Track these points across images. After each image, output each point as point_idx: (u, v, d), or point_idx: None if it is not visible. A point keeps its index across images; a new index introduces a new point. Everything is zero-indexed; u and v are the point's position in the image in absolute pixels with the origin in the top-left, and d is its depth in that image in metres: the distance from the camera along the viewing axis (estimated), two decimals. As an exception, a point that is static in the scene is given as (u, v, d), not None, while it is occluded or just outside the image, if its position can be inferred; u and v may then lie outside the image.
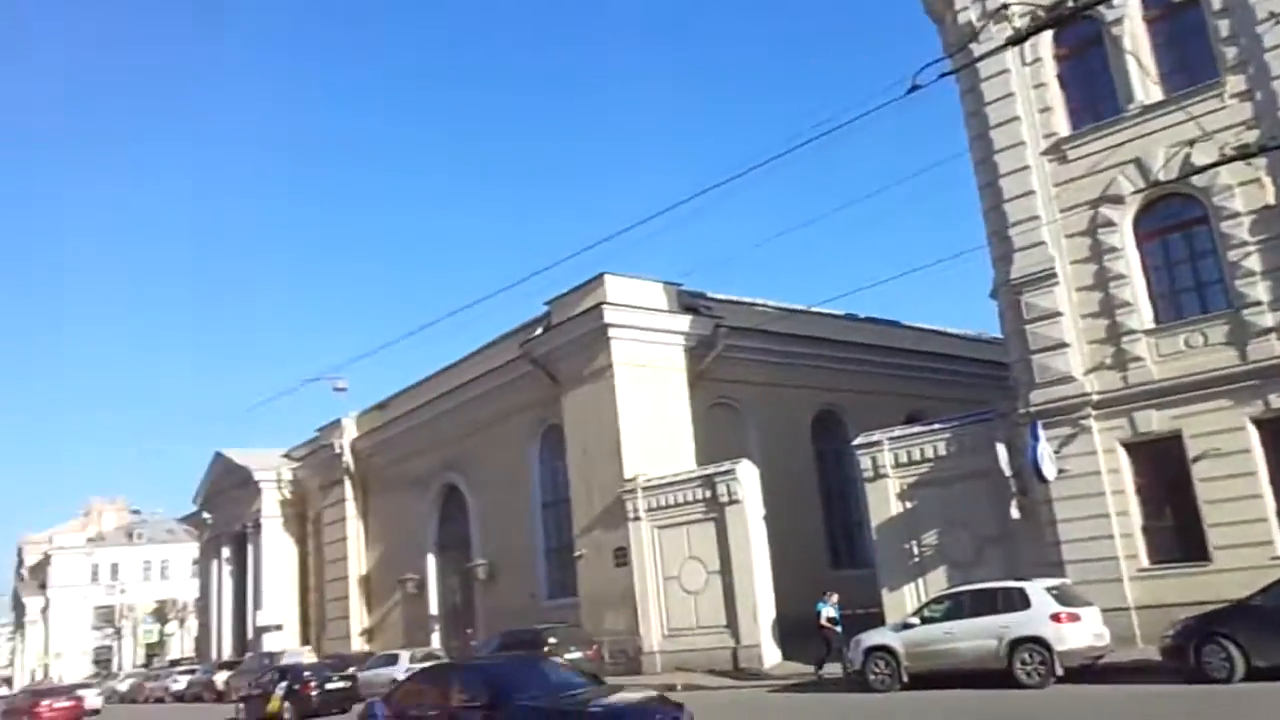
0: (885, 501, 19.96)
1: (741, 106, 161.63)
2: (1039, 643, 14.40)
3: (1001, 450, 17.58)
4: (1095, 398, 16.92)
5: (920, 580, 19.11)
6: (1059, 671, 14.22)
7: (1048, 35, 17.59)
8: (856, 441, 20.89)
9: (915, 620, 16.27)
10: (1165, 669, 13.59)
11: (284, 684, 25.05)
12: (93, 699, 38.72)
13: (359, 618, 37.73)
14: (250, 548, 44.63)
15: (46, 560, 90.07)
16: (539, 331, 27.81)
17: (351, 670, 27.67)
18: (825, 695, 17.17)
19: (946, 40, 19.07)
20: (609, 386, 25.36)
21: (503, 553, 30.42)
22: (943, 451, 19.37)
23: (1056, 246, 17.62)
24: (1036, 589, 15.04)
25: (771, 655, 21.47)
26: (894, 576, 19.56)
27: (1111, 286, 17.09)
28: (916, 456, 19.69)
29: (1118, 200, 17.12)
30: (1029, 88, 18.33)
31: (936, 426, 20.02)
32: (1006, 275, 18.07)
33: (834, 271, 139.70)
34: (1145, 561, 16.35)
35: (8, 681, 78.18)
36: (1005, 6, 17.33)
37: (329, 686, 24.94)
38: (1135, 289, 16.99)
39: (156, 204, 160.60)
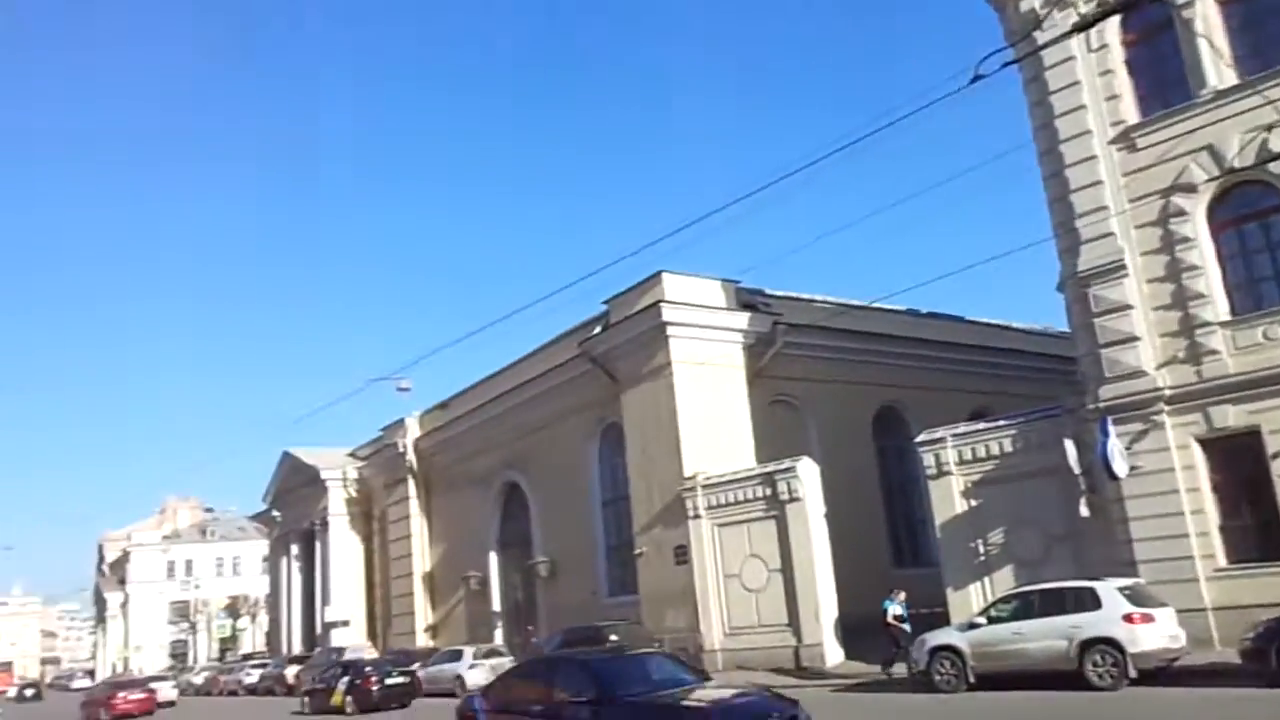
0: (949, 499, 19.63)
1: (800, 104, 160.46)
2: (1111, 644, 14.04)
3: (1070, 447, 17.16)
4: (1168, 392, 16.44)
5: (986, 579, 18.76)
6: (1132, 674, 13.86)
7: (1114, 21, 17.11)
8: (919, 438, 20.57)
9: (982, 620, 15.99)
10: (1244, 672, 13.12)
11: (346, 679, 25.67)
12: (168, 691, 39.98)
13: (424, 614, 38.32)
14: (318, 545, 45.63)
15: (125, 557, 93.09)
16: (598, 330, 27.93)
17: (415, 666, 28.25)
18: (890, 695, 16.97)
19: (1009, 29, 18.68)
20: (668, 384, 25.36)
21: (564, 550, 30.64)
22: (1009, 448, 18.99)
23: (1126, 238, 17.15)
24: (1108, 589, 14.66)
25: (834, 654, 21.29)
26: (959, 575, 19.23)
27: (1184, 278, 16.59)
28: (981, 453, 19.33)
29: (1190, 189, 16.61)
30: (1095, 75, 17.87)
31: (1002, 423, 19.63)
32: (1074, 268, 17.65)
33: (895, 267, 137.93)
34: (1222, 561, 15.83)
35: (91, 673, 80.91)
36: (1070, -8, 16.93)
37: (389, 681, 25.50)
38: (1210, 280, 16.47)
39: (225, 215, 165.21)
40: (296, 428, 69.78)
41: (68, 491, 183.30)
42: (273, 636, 54.01)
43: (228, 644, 76.44)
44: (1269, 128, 15.39)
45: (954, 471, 19.59)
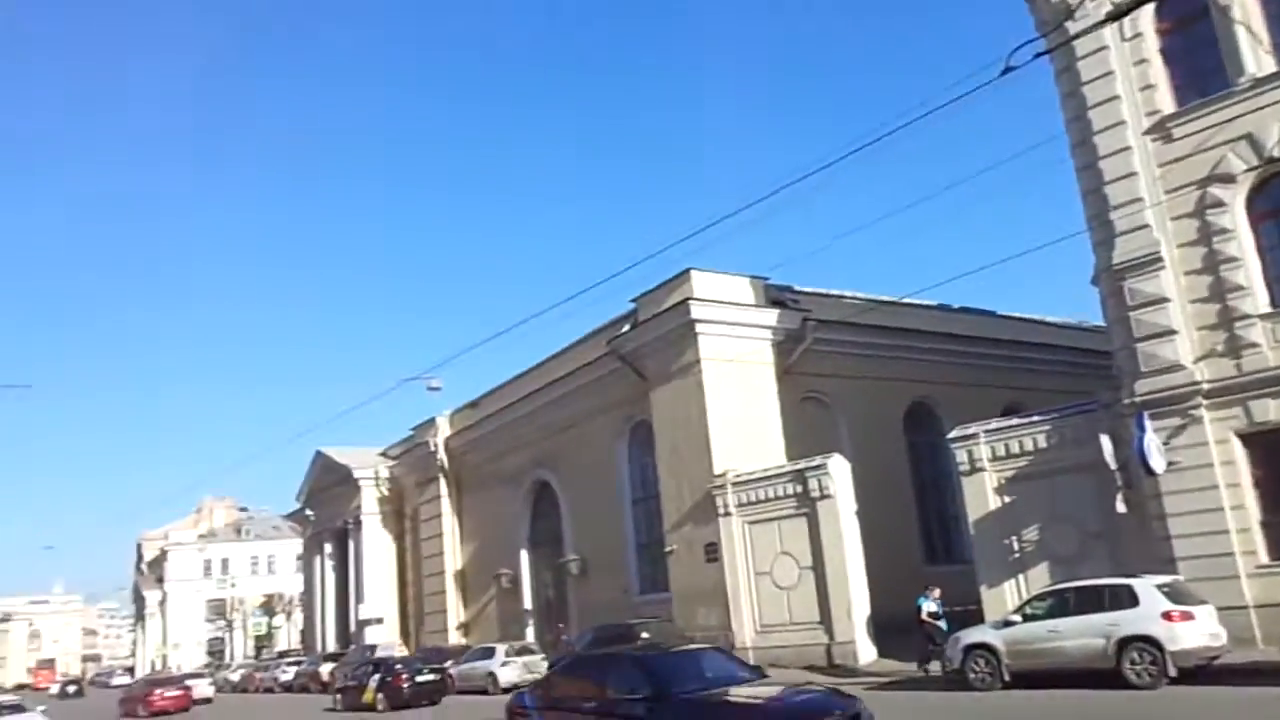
0: (982, 496, 19.44)
1: (826, 101, 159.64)
2: (1150, 642, 13.84)
3: (1106, 442, 16.93)
4: (1206, 386, 16.17)
5: (1021, 576, 18.55)
6: (1171, 672, 13.65)
7: (1149, 9, 16.82)
8: (951, 434, 20.39)
9: (1017, 618, 15.82)
10: (1288, 671, 12.91)
11: (377, 676, 25.95)
12: (204, 688, 40.63)
13: (456, 612, 38.57)
14: (351, 543, 46.06)
15: (163, 556, 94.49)
16: (626, 328, 27.95)
17: (448, 664, 28.51)
18: (924, 694, 16.84)
19: (1040, 19, 18.42)
20: (697, 382, 25.33)
21: (594, 548, 30.71)
22: (1043, 444, 18.76)
23: (1162, 229, 16.89)
24: (1146, 586, 14.45)
25: (867, 652, 21.17)
26: (993, 573, 19.03)
27: (1222, 270, 16.30)
28: (1015, 449, 19.12)
29: (1228, 179, 16.32)
30: (1129, 65, 17.60)
31: (1036, 418, 19.40)
32: (1108, 260, 17.40)
33: (925, 263, 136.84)
34: (1264, 558, 15.54)
35: (130, 671, 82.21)
36: (1102, -19, 16.67)
37: (419, 679, 25.77)
38: (1249, 272, 16.18)
39: (258, 220, 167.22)
40: (329, 427, 70.37)
41: (107, 492, 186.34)
42: (307, 634, 54.60)
43: (263, 642, 77.32)
44: (1309, 116, 15.08)
45: (987, 468, 19.40)
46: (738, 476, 24.23)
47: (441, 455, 39.38)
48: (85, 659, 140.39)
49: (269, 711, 31.87)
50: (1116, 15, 10.57)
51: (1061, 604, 15.32)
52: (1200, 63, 17.11)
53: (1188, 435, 16.22)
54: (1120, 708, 12.95)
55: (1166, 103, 17.29)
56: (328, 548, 49.58)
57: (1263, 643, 14.79)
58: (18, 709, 23.80)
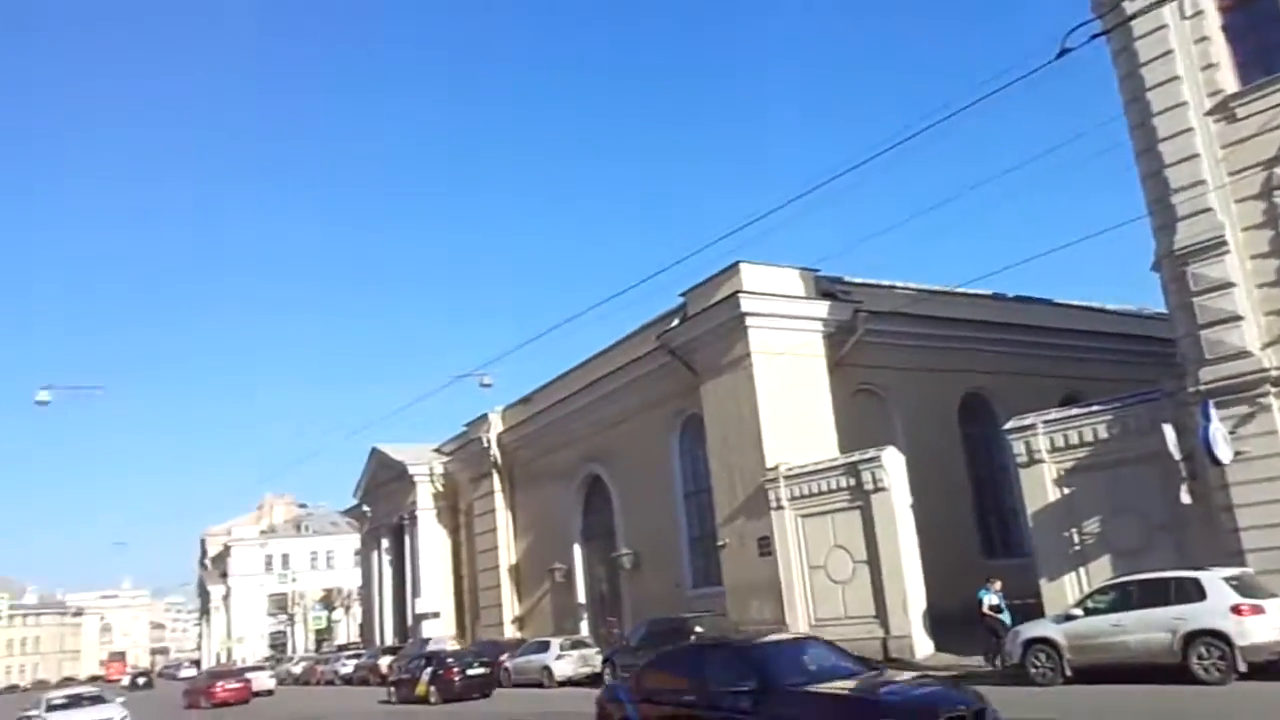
0: (1041, 488, 19.07)
1: (876, 87, 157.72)
2: (1218, 636, 13.50)
3: (1169, 432, 16.49)
4: (1275, 373, 15.67)
5: (1082, 570, 18.18)
6: (1241, 668, 13.29)
7: (1210, -15, 16.37)
8: (1008, 425, 20.03)
9: (1078, 611, 15.52)
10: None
11: (429, 669, 26.42)
12: (265, 680, 41.60)
13: (510, 606, 38.92)
14: (407, 538, 46.71)
15: (226, 551, 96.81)
16: (676, 322, 27.91)
17: (504, 657, 28.88)
18: (983, 688, 16.52)
19: (1096, 0, 18.01)
20: (748, 375, 25.22)
21: (647, 542, 30.78)
22: (1104, 434, 18.35)
23: (1226, 212, 16.39)
24: (1213, 579, 14.08)
25: (924, 646, 20.94)
26: (1053, 566, 18.68)
27: (1291, 253, 15.78)
28: (1075, 440, 18.72)
29: (1296, 159, 15.78)
30: (1190, 44, 17.10)
31: (1096, 408, 18.97)
32: (1170, 246, 16.95)
33: (979, 251, 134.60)
34: (1338, 550, 15.05)
35: (196, 663, 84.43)
36: (1161, -41, 16.22)
37: (470, 672, 26.21)
38: (1319, 255, 15.64)
39: (319, 232, 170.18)
40: (385, 425, 71.44)
41: (173, 490, 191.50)
42: (366, 628, 55.52)
43: (323, 635, 78.86)
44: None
45: (1046, 459, 19.02)
46: (790, 470, 24.10)
47: (494, 451, 39.73)
48: (153, 652, 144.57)
49: (327, 703, 32.51)
50: (1176, -7, 10.27)
51: (1125, 597, 15.00)
52: (1264, 39, 16.56)
53: (1256, 424, 15.74)
54: (1187, 704, 12.65)
55: (1229, 82, 16.77)
56: (385, 543, 50.33)
57: (1338, 637, 14.29)
58: (98, 700, 24.63)
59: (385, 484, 48.35)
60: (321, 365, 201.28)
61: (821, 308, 26.28)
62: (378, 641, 47.91)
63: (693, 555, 29.18)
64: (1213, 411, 15.74)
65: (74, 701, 24.22)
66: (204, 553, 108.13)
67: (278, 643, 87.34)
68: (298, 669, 51.31)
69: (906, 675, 11.05)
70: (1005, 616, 18.30)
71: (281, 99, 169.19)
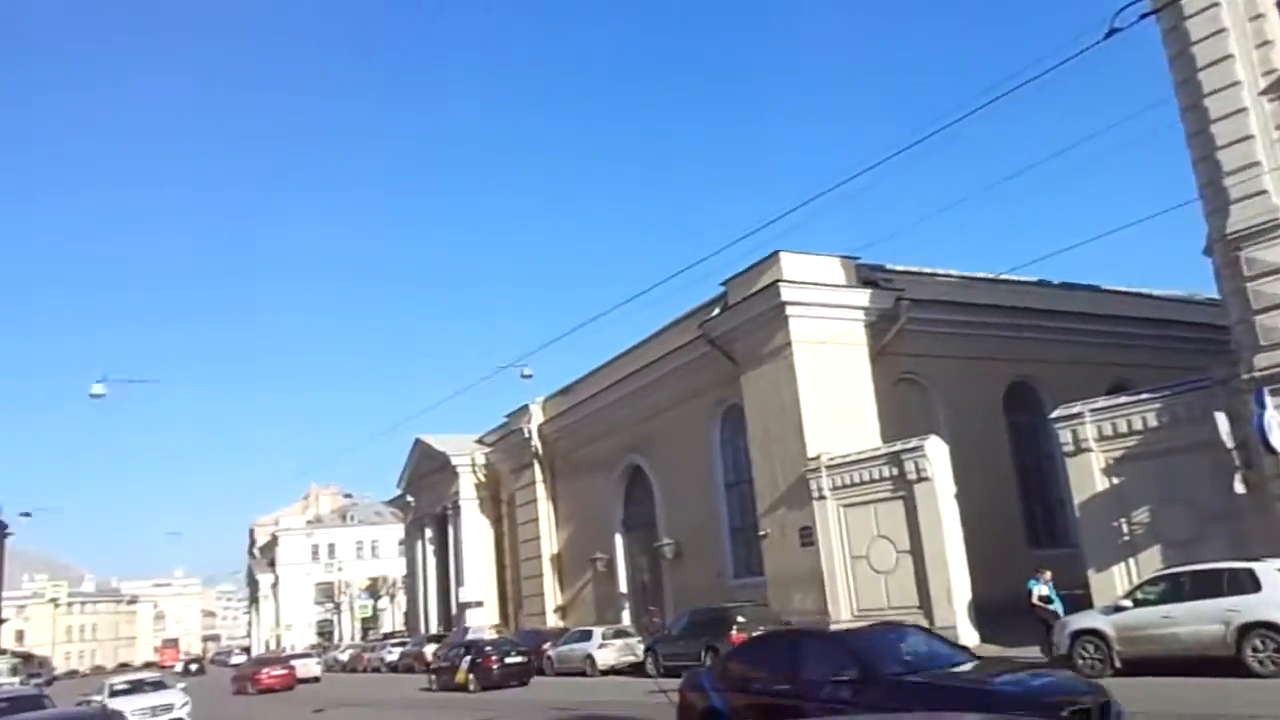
0: (1089, 477, 18.78)
1: (916, 71, 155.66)
2: (1274, 628, 13.17)
3: (1222, 420, 16.13)
4: (1333, 360, 15.27)
5: (1131, 560, 17.88)
6: (1297, 660, 12.99)
7: (1264, -39, 15.91)
8: (1055, 414, 19.73)
9: (1128, 603, 15.26)
10: None
11: (468, 658, 26.77)
12: (312, 667, 42.41)
13: (553, 595, 39.18)
14: (450, 528, 47.19)
15: (274, 541, 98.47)
16: (716, 312, 27.84)
17: (547, 646, 29.16)
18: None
19: (1145, -22, 17.59)
20: (788, 365, 25.09)
21: (688, 532, 30.79)
22: (1153, 423, 18.00)
23: (1281, 195, 15.97)
24: (1269, 570, 13.74)
25: (969, 637, 20.69)
26: (1101, 556, 18.39)
27: (1350, 235, 15.34)
28: (1124, 429, 18.39)
29: (1355, 138, 15.32)
30: (1244, 21, 16.64)
31: (1145, 396, 18.62)
32: (1222, 229, 16.54)
33: (1024, 237, 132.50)
34: (1399, 540, 14.65)
35: (246, 650, 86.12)
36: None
37: (509, 660, 26.48)
38: (1379, 237, 15.18)
39: (354, 219, 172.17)
40: (428, 416, 72.43)
41: (223, 480, 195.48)
42: (411, 616, 56.21)
43: (369, 623, 79.88)
44: None
45: (1093, 448, 18.72)
46: (832, 460, 23.96)
47: (535, 442, 39.95)
48: (205, 639, 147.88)
49: (370, 690, 33.00)
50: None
51: (1176, 588, 14.72)
52: (1322, 15, 16.08)
53: (1312, 411, 15.35)
54: (1241, 696, 12.38)
55: (1285, 60, 16.31)
56: (428, 532, 50.88)
57: (1399, 630, 13.90)
58: (160, 685, 24.97)
59: (428, 475, 48.87)
60: (366, 359, 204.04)
61: (863, 296, 26.05)
62: (422, 630, 48.50)
63: (734, 545, 29.14)
64: (1267, 399, 15.38)
65: (136, 687, 24.49)
66: (253, 542, 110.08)
67: (325, 630, 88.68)
68: (344, 656, 52.12)
69: (1013, 663, 10.51)
70: (1058, 606, 18.02)
71: (310, 102, 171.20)
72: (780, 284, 25.01)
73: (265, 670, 37.80)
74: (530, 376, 29.75)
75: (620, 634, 28.29)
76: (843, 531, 23.65)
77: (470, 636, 33.90)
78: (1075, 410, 19.14)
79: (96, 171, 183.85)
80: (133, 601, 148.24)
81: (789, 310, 25.07)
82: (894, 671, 8.75)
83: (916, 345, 26.50)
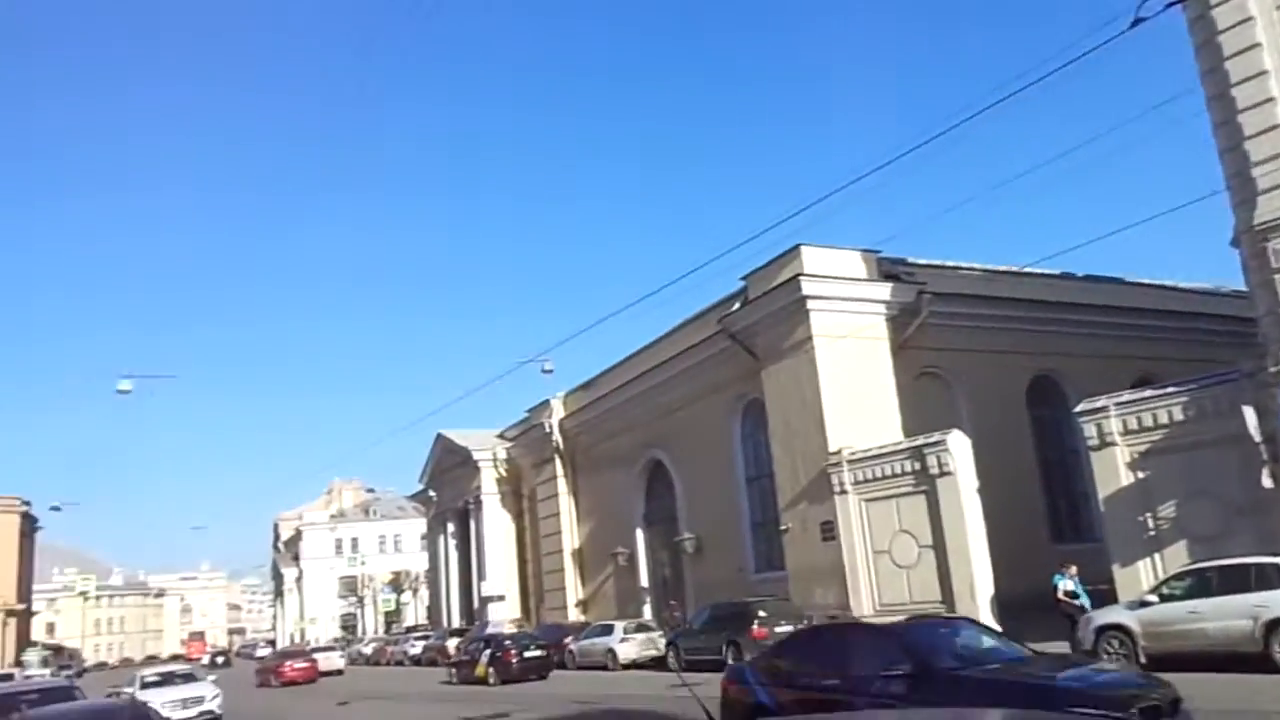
0: (1113, 471, 18.63)
1: (940, 61, 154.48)
2: (1302, 624, 13.06)
3: (1249, 414, 15.95)
4: (1363, 352, 15.07)
5: (1156, 555, 17.74)
6: (1327, 656, 12.85)
7: (1293, -52, 15.69)
8: (1079, 408, 19.58)
9: (1153, 598, 15.15)
10: None
11: (488, 651, 27.02)
12: (335, 660, 42.90)
13: (574, 589, 39.31)
14: (472, 523, 47.43)
15: (298, 535, 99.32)
16: (736, 307, 27.80)
17: (569, 640, 29.34)
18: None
19: (1170, -34, 17.38)
20: (809, 359, 25.03)
21: (709, 527, 30.81)
22: (1179, 416, 17.84)
23: (1310, 185, 15.75)
24: (1297, 565, 13.63)
25: (991, 632, 20.62)
26: (1126, 551, 18.25)
27: (1381, 226, 15.12)
28: (1149, 422, 18.23)
29: (1386, 127, 15.10)
30: (1271, 9, 16.43)
31: (1171, 390, 18.44)
32: (1250, 221, 16.35)
33: (1047, 230, 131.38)
34: None
35: (272, 643, 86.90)
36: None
37: (527, 654, 26.82)
38: None
39: (381, 213, 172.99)
40: (449, 411, 72.44)
41: (247, 475, 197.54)
42: (433, 610, 56.58)
43: (392, 617, 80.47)
44: None
45: (1118, 442, 18.57)
46: (853, 454, 23.89)
47: (556, 436, 40.07)
48: (230, 632, 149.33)
49: (392, 683, 33.27)
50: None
51: (1203, 584, 14.60)
52: (1352, 3, 15.84)
53: (1342, 405, 15.16)
54: (1269, 692, 12.27)
55: (1314, 48, 16.09)
56: (450, 527, 51.15)
57: None
58: (190, 677, 25.02)
59: (450, 469, 49.11)
60: (387, 353, 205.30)
61: (884, 290, 25.94)
62: (445, 623, 48.78)
63: (755, 540, 29.13)
64: (1295, 392, 15.20)
65: (167, 679, 24.56)
66: (277, 536, 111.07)
67: (348, 624, 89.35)
68: (368, 650, 52.56)
69: (1074, 659, 10.11)
70: (1085, 601, 17.89)
71: (340, 106, 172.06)
72: (801, 278, 24.94)
73: (288, 663, 38.32)
74: (551, 371, 29.83)
75: (642, 628, 28.39)
76: (864, 526, 23.58)
77: (490, 631, 34.15)
78: (1100, 404, 19.00)
79: (116, 173, 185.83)
80: (160, 595, 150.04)
81: (810, 304, 25.00)
82: (950, 666, 8.45)
83: (939, 339, 26.37)
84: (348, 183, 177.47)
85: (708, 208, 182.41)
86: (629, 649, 26.81)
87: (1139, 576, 17.63)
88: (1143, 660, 14.81)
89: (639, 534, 35.52)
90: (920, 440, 22.57)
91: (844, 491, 23.93)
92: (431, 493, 52.60)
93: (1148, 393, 19.02)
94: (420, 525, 70.85)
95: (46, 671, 49.82)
